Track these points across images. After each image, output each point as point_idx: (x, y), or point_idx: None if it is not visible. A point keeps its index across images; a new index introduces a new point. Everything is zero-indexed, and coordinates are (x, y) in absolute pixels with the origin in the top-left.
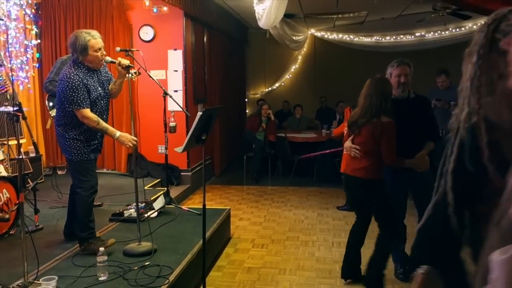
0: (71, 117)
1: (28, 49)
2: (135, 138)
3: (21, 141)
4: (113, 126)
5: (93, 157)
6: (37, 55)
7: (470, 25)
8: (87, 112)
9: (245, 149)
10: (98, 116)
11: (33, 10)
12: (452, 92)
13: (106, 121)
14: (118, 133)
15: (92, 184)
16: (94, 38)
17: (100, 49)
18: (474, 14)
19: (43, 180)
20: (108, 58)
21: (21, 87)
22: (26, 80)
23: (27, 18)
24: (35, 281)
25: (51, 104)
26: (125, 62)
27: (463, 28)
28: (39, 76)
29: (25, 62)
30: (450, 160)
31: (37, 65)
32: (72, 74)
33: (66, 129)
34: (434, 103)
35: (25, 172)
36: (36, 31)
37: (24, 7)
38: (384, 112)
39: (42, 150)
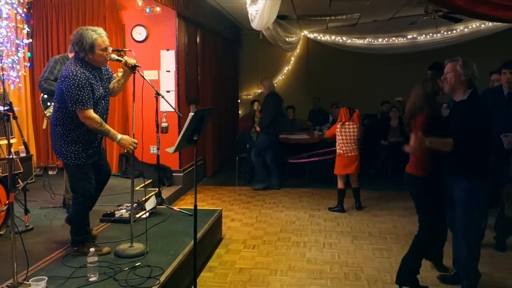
0: (72, 117)
1: (19, 49)
2: (136, 141)
3: (11, 140)
4: None
5: (91, 161)
6: (28, 54)
7: (461, 28)
8: (91, 112)
9: (239, 149)
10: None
11: (24, 9)
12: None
13: (106, 122)
14: (119, 136)
15: (87, 189)
16: (100, 36)
17: (106, 48)
18: (465, 17)
19: (33, 180)
20: (114, 56)
21: (12, 87)
22: (17, 80)
23: (18, 17)
24: (24, 282)
25: (48, 103)
26: (132, 61)
27: (454, 31)
28: (30, 76)
29: (16, 62)
30: None
31: (29, 65)
32: (79, 72)
33: (65, 130)
34: None
35: (15, 172)
36: (27, 30)
37: (15, 6)
38: (421, 110)
39: (32, 150)
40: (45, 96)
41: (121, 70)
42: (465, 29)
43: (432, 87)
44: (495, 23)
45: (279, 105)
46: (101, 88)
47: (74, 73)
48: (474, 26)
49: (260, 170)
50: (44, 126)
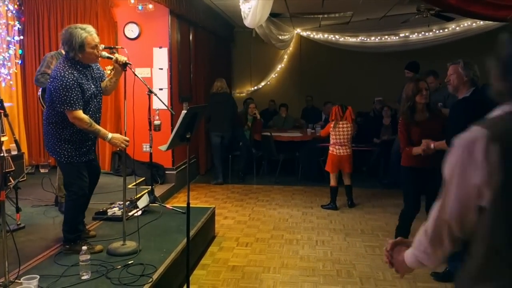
0: (63, 117)
1: (10, 46)
2: (127, 139)
3: (2, 138)
4: None
5: (84, 159)
6: (19, 51)
7: (453, 26)
8: (79, 113)
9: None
10: (91, 116)
11: (15, 6)
12: (440, 94)
13: (99, 121)
14: (110, 135)
15: (81, 186)
16: (90, 34)
17: (96, 45)
18: (457, 16)
19: (25, 178)
20: (105, 54)
21: (3, 84)
22: (9, 77)
23: (9, 14)
24: (16, 281)
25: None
26: (123, 58)
27: (446, 30)
28: (21, 73)
29: (7, 59)
30: None
31: (20, 62)
32: (67, 73)
33: (57, 128)
34: None
35: (6, 170)
36: (18, 27)
37: (6, 2)
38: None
39: (24, 148)
40: (42, 90)
41: (109, 67)
42: (457, 28)
43: (411, 91)
44: (486, 22)
45: (215, 105)
46: (92, 86)
47: (62, 73)
48: (465, 24)
49: (218, 165)
50: None
